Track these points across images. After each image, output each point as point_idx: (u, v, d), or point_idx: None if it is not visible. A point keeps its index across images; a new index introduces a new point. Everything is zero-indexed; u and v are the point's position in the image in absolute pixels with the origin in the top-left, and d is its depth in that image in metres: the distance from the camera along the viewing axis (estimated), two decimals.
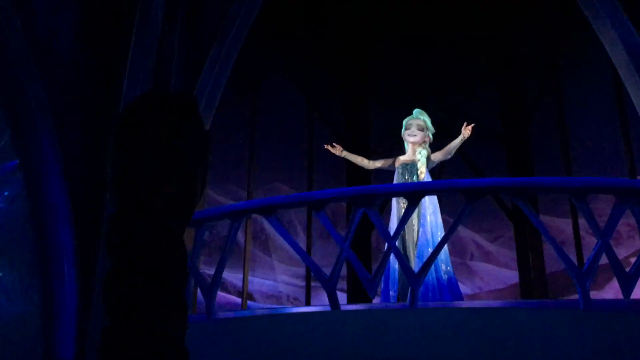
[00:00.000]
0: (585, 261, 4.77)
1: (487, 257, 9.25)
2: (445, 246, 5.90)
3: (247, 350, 4.75)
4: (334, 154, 6.51)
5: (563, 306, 4.72)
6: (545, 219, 8.81)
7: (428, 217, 5.97)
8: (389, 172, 6.39)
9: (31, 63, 5.82)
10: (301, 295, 8.74)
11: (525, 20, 9.59)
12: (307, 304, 8.44)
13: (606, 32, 6.38)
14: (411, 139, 6.34)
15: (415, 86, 9.89)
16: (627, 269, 4.53)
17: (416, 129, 6.35)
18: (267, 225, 7.53)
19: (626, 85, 6.23)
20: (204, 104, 6.45)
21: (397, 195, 5.68)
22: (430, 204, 6.01)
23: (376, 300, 6.54)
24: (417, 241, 5.91)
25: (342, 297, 8.88)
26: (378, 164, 6.46)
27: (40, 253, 5.78)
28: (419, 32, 9.78)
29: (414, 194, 4.93)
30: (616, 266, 4.48)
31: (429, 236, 5.88)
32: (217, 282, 5.12)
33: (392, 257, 5.19)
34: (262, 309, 7.56)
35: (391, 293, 5.90)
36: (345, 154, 6.47)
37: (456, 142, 6.14)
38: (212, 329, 5.02)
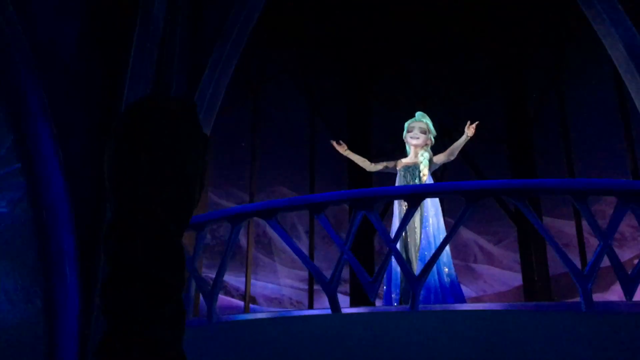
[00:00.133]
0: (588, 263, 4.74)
1: (490, 259, 9.23)
2: (448, 249, 5.88)
3: (248, 354, 4.74)
4: (336, 153, 6.50)
5: (565, 308, 4.69)
6: (548, 221, 8.81)
7: (430, 220, 5.94)
8: (390, 175, 6.37)
9: (33, 67, 5.84)
10: (304, 298, 8.73)
11: (528, 23, 9.58)
12: (310, 307, 8.43)
13: (606, 32, 6.37)
14: (414, 142, 6.31)
15: (418, 89, 9.89)
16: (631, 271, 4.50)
17: (419, 131, 6.32)
18: (270, 229, 7.53)
19: (627, 85, 6.22)
20: (206, 107, 6.46)
21: (397, 197, 5.66)
22: (432, 207, 5.99)
23: (379, 303, 6.53)
24: (419, 244, 5.89)
25: (345, 300, 8.87)
26: (380, 166, 6.44)
27: (42, 258, 5.79)
28: (421, 36, 9.77)
29: (413, 196, 4.90)
30: (618, 268, 4.45)
31: (431, 239, 5.86)
32: (218, 285, 5.11)
33: (394, 260, 5.17)
34: (264, 312, 7.56)
35: (393, 296, 5.88)
36: (349, 153, 6.46)
37: (459, 142, 6.10)
38: (213, 332, 5.01)
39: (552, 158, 9.15)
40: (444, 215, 6.07)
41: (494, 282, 9.06)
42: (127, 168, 2.84)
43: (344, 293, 8.98)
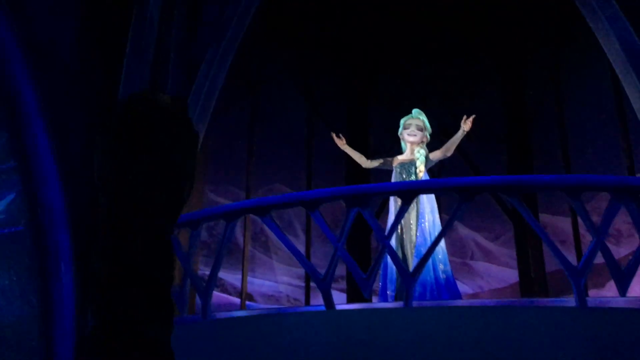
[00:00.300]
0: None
1: (487, 256, 9.24)
2: (444, 246, 5.90)
3: (242, 350, 4.75)
4: (334, 151, 6.53)
5: (558, 304, 4.70)
6: (545, 217, 8.81)
7: (426, 217, 5.96)
8: (388, 173, 6.38)
9: (28, 66, 5.84)
10: (301, 296, 8.74)
11: (526, 22, 9.58)
12: (307, 304, 8.45)
13: (603, 31, 6.37)
14: (411, 139, 6.32)
15: (417, 89, 9.90)
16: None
17: (415, 128, 6.33)
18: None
19: (623, 83, 6.22)
20: (201, 105, 6.46)
21: (391, 194, 5.67)
22: (428, 204, 6.00)
23: (375, 300, 6.54)
24: (415, 241, 5.90)
25: (342, 297, 8.88)
26: (376, 163, 6.45)
27: (38, 255, 5.79)
28: (421, 35, 9.77)
29: (407, 193, 4.91)
30: (611, 264, 4.45)
31: (427, 236, 5.87)
32: (212, 282, 5.12)
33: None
34: (259, 309, 7.57)
35: (389, 292, 5.89)
36: (346, 148, 6.48)
37: (456, 138, 6.10)
38: (208, 329, 5.02)
39: (550, 157, 9.16)
40: (440, 212, 6.08)
41: (490, 279, 9.07)
42: (116, 164, 2.85)
43: (341, 290, 8.99)
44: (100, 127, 3.06)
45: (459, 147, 6.24)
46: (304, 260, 5.14)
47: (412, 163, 6.23)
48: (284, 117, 9.62)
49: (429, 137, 6.40)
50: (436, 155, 6.25)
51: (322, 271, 4.81)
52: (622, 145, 7.94)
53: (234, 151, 8.84)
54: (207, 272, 5.38)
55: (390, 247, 4.91)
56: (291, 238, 8.41)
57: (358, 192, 4.79)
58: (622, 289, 4.43)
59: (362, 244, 8.99)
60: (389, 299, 5.79)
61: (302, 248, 8.66)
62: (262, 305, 8.41)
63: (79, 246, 5.85)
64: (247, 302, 8.12)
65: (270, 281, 8.64)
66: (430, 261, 5.56)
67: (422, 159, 6.20)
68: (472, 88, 9.86)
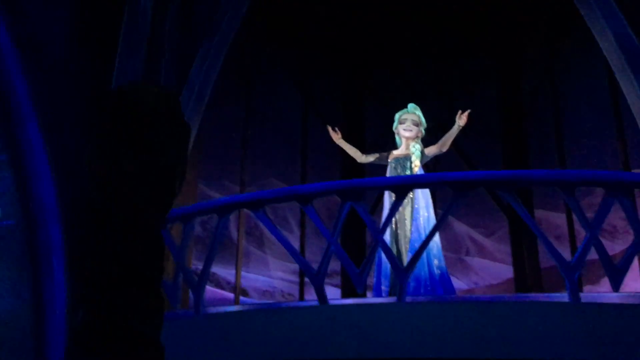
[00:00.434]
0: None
1: (482, 252, 9.23)
2: (438, 241, 5.88)
3: (235, 345, 4.74)
4: (329, 146, 6.52)
5: (551, 299, 4.69)
6: (541, 213, 8.81)
7: (421, 212, 5.94)
8: (383, 168, 6.36)
9: (19, 60, 5.81)
10: (296, 291, 8.73)
11: (521, 18, 9.56)
12: (301, 299, 8.44)
13: (598, 26, 6.35)
14: (406, 134, 6.29)
15: (413, 84, 9.88)
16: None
17: (411, 123, 6.31)
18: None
19: (618, 78, 6.21)
20: (194, 98, 6.43)
21: (385, 189, 5.65)
22: (423, 199, 5.98)
23: (370, 295, 6.53)
24: (409, 236, 5.89)
25: (337, 292, 8.87)
26: (371, 157, 6.43)
27: (30, 249, 5.77)
28: (416, 31, 9.75)
29: (401, 187, 4.90)
30: (605, 259, 4.44)
31: (422, 231, 5.86)
32: (205, 277, 5.10)
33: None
34: (252, 304, 7.55)
35: (383, 288, 5.88)
36: (342, 143, 6.46)
37: (451, 133, 6.08)
38: (200, 324, 5.00)
39: (546, 152, 9.15)
40: (435, 207, 6.07)
41: (485, 274, 9.06)
42: (107, 157, 2.82)
43: (336, 285, 8.98)
44: (92, 120, 3.01)
45: (454, 143, 6.22)
46: (297, 254, 5.12)
47: (407, 158, 6.20)
48: (278, 111, 9.60)
49: (424, 132, 6.39)
50: (431, 150, 6.23)
51: (316, 266, 4.79)
52: (617, 141, 7.93)
53: (228, 145, 8.81)
54: (200, 267, 5.36)
55: (384, 241, 4.89)
56: (286, 233, 8.41)
57: (351, 187, 4.77)
58: (616, 284, 4.43)
59: (357, 239, 8.98)
60: (383, 294, 5.78)
61: (297, 243, 8.65)
62: (256, 301, 8.39)
63: (71, 240, 5.82)
64: (241, 297, 8.10)
65: (264, 276, 8.63)
66: (424, 256, 5.56)
67: (418, 153, 6.18)
68: (467, 83, 9.86)
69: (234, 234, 8.29)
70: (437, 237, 5.74)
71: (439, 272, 5.83)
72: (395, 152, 6.33)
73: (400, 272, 4.73)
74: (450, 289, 5.84)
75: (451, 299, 5.13)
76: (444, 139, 6.15)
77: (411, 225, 5.91)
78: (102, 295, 2.63)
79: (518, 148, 9.44)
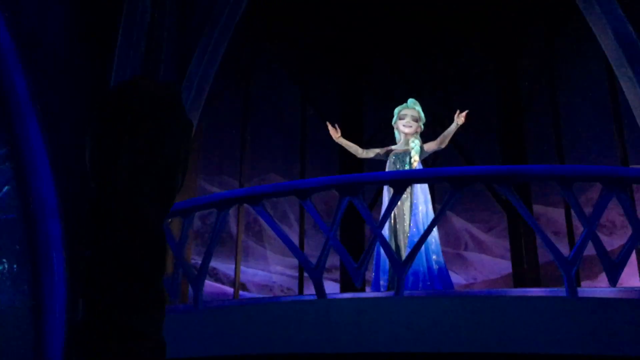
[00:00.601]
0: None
1: (481, 247, 9.25)
2: (437, 236, 5.90)
3: (234, 339, 4.76)
4: (328, 141, 6.51)
5: (549, 294, 4.71)
6: (539, 208, 8.82)
7: (420, 207, 5.95)
8: (382, 163, 6.37)
9: (18, 56, 5.80)
10: (294, 285, 8.75)
11: (520, 15, 9.56)
12: (300, 294, 8.46)
13: (597, 21, 6.36)
14: (406, 130, 6.29)
15: (411, 79, 9.88)
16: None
17: (411, 119, 6.31)
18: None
19: (617, 74, 6.22)
20: (194, 93, 6.44)
21: (383, 183, 5.66)
22: (421, 194, 5.99)
23: (368, 290, 6.54)
24: (408, 231, 5.90)
25: (336, 287, 8.89)
26: (371, 153, 6.43)
27: (29, 243, 5.78)
28: (413, 25, 9.75)
29: (399, 182, 4.91)
30: (602, 254, 4.46)
31: (420, 226, 5.87)
32: (204, 271, 5.12)
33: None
34: (251, 298, 7.57)
35: (381, 282, 5.89)
36: (341, 140, 6.46)
37: (450, 130, 6.10)
38: (199, 318, 5.02)
39: (544, 147, 9.16)
40: (434, 203, 6.08)
41: (484, 269, 9.08)
42: (108, 152, 2.83)
43: (335, 280, 9.00)
44: (92, 115, 3.01)
45: (452, 138, 6.23)
46: (296, 249, 5.13)
47: (406, 153, 6.21)
48: (278, 106, 9.61)
49: (422, 127, 6.40)
50: (431, 146, 6.24)
51: (315, 261, 4.81)
52: (616, 136, 7.94)
53: (227, 140, 8.82)
54: (200, 262, 5.38)
55: (382, 236, 4.90)
56: (285, 228, 8.44)
57: (350, 181, 4.78)
58: (613, 279, 4.45)
59: (356, 234, 9.00)
60: (382, 289, 5.80)
61: (296, 238, 8.66)
62: (256, 295, 8.41)
63: (71, 235, 5.83)
64: (240, 292, 8.12)
65: (263, 271, 8.65)
66: (423, 251, 5.57)
67: (417, 149, 6.19)
68: (466, 79, 9.85)
69: (234, 228, 8.30)
70: (435, 232, 5.76)
71: (437, 267, 5.85)
72: (394, 148, 6.34)
73: (398, 266, 4.75)
74: (449, 284, 5.86)
75: (449, 293, 5.15)
76: (442, 136, 6.17)
77: (410, 220, 5.92)
78: (102, 293, 2.63)
79: (516, 143, 9.45)
